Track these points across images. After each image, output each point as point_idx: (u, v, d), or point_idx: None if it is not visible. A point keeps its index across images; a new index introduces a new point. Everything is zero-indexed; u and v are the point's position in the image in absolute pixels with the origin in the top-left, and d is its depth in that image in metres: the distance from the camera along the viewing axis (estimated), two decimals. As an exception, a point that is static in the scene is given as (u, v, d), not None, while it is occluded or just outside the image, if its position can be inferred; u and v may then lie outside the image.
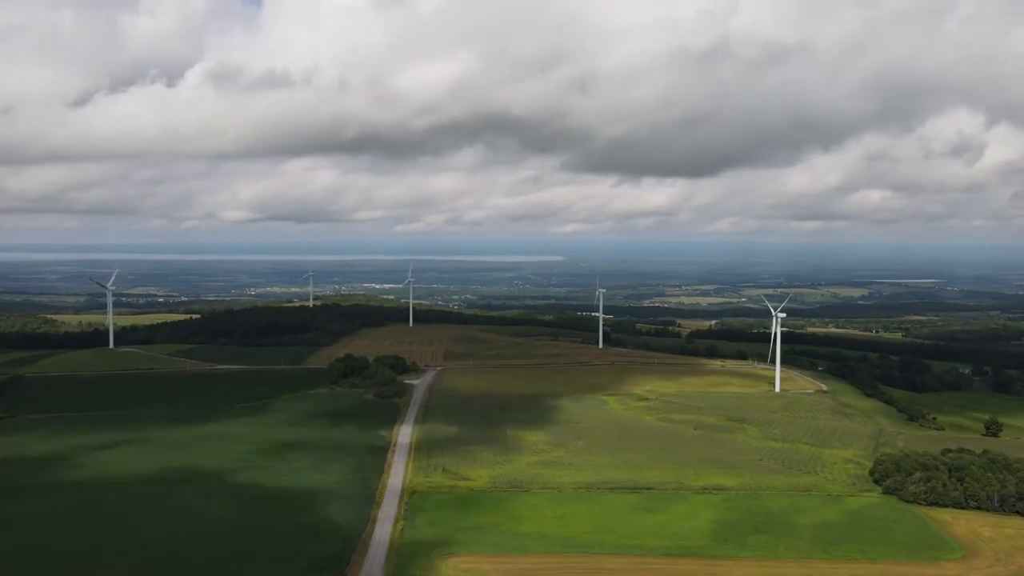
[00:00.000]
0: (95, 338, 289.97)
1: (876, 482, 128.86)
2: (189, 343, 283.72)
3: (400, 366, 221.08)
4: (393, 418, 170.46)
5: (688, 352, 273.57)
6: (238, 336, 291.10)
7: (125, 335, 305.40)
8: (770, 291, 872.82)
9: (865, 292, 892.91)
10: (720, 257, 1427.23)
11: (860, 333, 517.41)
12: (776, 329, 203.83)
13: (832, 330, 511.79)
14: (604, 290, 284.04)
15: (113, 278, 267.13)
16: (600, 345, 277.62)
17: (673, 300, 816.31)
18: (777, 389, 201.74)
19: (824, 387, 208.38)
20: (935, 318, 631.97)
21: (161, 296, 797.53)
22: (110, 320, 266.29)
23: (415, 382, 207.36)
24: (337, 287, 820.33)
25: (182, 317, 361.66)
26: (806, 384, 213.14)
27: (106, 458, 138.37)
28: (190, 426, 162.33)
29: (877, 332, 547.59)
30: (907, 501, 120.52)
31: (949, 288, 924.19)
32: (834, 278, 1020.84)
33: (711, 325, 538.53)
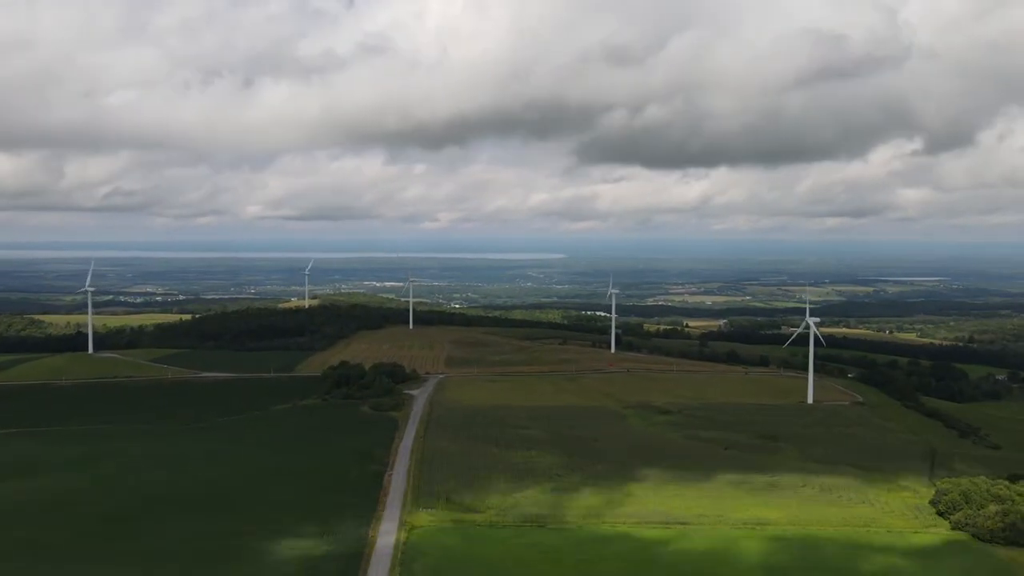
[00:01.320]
0: (77, 341, 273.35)
1: (941, 515, 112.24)
2: (176, 347, 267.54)
3: (399, 374, 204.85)
4: (390, 435, 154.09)
5: (706, 357, 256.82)
6: (228, 340, 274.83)
7: (110, 338, 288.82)
8: (773, 288, 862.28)
9: (870, 290, 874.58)
10: (726, 254, 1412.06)
11: (875, 334, 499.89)
12: (810, 332, 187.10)
13: (846, 331, 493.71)
14: (616, 291, 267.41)
15: (89, 277, 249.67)
16: (612, 349, 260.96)
17: (677, 298, 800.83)
18: (810, 400, 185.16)
19: (859, 398, 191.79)
20: (946, 318, 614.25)
21: (160, 295, 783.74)
22: (89, 323, 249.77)
23: (415, 392, 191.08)
24: (338, 285, 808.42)
25: (173, 318, 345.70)
26: (838, 394, 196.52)
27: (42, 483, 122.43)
28: (151, 442, 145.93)
29: (891, 333, 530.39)
30: (982, 540, 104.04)
31: (954, 286, 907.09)
32: (839, 276, 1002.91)
33: (720, 325, 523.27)
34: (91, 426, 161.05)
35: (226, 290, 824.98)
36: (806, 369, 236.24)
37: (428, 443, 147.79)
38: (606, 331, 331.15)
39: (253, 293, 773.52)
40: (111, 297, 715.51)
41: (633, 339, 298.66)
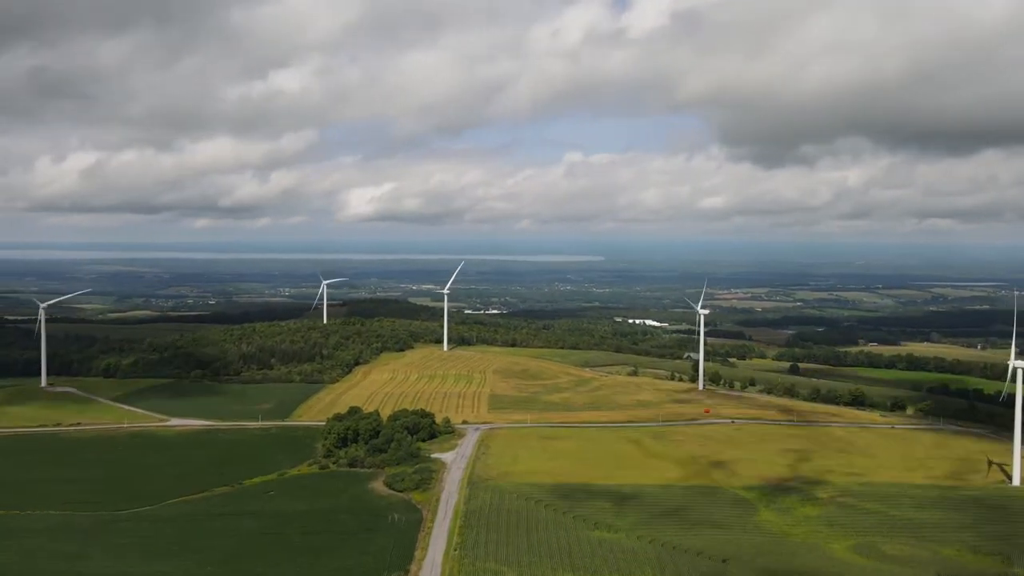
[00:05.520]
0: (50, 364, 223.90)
1: None
2: (155, 376, 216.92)
3: (426, 427, 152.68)
4: (411, 541, 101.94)
5: (824, 398, 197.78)
6: (219, 367, 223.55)
7: (86, 362, 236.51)
8: (824, 294, 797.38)
9: (927, 295, 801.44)
10: (772, 256, 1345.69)
11: (978, 353, 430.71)
12: (1017, 379, 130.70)
13: (942, 348, 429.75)
14: (706, 311, 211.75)
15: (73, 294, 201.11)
16: (700, 387, 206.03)
17: (725, 304, 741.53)
18: (1015, 481, 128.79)
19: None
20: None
21: (191, 297, 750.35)
22: (43, 350, 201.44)
23: (447, 457, 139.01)
24: (373, 288, 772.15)
25: (175, 333, 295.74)
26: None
27: None
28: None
29: (981, 348, 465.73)
30: None
31: (1017, 292, 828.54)
32: (891, 280, 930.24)
33: (788, 337, 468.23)
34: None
35: (260, 293, 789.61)
36: (957, 418, 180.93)
37: (467, 562, 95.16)
38: (677, 355, 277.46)
39: (288, 295, 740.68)
40: (143, 300, 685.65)
41: (718, 369, 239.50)
